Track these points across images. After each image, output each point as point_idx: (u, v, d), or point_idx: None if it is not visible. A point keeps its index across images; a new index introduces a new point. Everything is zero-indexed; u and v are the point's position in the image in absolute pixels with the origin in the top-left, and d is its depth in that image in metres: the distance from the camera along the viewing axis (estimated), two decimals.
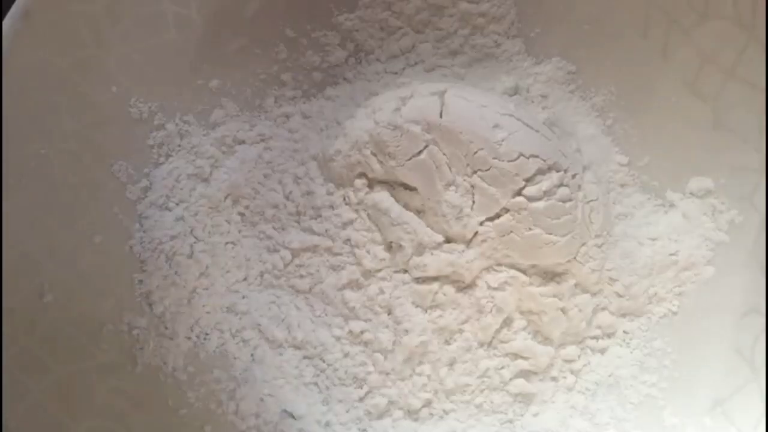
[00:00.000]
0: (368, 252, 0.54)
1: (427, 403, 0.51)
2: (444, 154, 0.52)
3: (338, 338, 0.54)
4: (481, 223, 0.52)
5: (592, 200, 0.55)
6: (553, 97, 0.59)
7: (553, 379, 0.54)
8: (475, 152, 0.52)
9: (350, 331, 0.54)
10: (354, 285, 0.54)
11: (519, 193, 0.52)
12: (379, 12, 0.60)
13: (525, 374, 0.53)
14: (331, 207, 0.55)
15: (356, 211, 0.54)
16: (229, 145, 0.57)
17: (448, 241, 0.53)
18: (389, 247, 0.54)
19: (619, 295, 0.55)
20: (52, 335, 0.47)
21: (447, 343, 0.53)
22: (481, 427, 0.52)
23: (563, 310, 0.53)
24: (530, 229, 0.52)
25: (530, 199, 0.51)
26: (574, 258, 0.53)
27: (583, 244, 0.54)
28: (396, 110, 0.54)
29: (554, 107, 0.59)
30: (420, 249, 0.53)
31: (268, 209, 0.56)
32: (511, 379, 0.53)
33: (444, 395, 0.52)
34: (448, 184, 0.52)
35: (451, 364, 0.53)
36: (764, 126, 0.51)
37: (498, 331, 0.53)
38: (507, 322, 0.53)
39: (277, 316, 0.55)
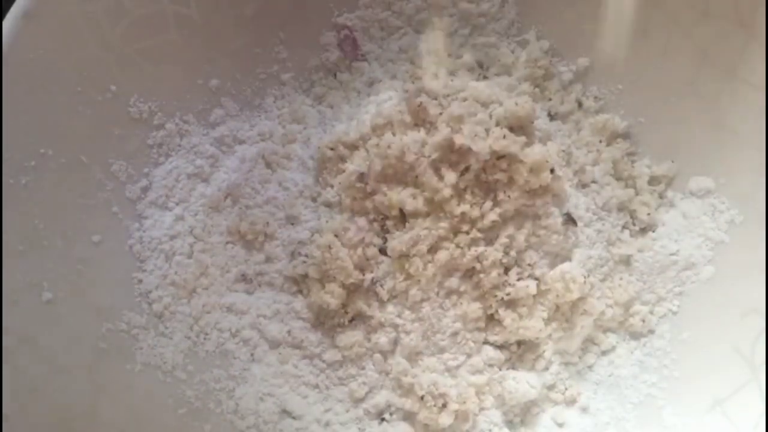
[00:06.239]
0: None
1: (426, 403, 0.51)
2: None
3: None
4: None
5: None
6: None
7: (553, 382, 0.54)
8: None
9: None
10: None
11: None
12: (379, 12, 0.60)
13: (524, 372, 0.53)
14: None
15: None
16: (228, 144, 0.57)
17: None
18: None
19: (619, 295, 0.55)
20: (51, 334, 0.47)
21: (444, 345, 0.53)
22: (482, 426, 0.52)
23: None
24: None
25: None
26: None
27: None
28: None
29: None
30: None
31: (268, 208, 0.56)
32: (511, 379, 0.53)
33: (442, 397, 0.52)
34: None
35: (451, 366, 0.53)
36: (764, 126, 0.51)
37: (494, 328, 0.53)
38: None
39: (277, 315, 0.55)
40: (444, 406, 0.51)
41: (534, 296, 0.53)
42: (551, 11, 0.58)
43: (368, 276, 0.53)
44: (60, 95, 0.49)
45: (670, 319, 0.54)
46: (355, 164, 0.55)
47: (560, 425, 0.53)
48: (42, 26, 0.48)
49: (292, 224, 0.56)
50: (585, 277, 0.52)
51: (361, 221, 0.54)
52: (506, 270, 0.53)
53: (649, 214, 0.56)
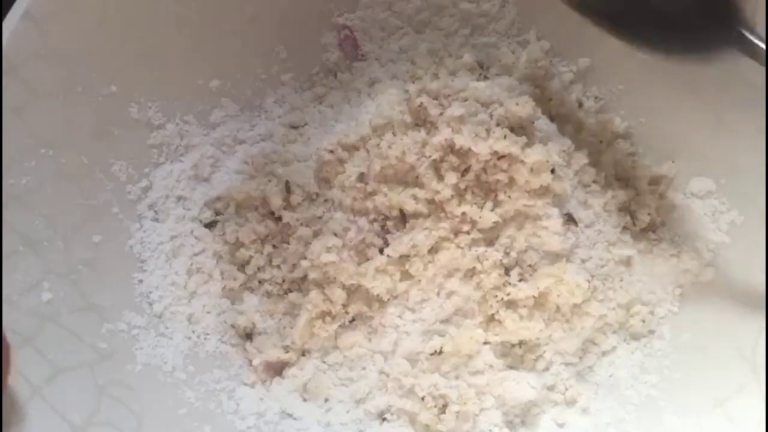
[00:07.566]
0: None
1: (426, 404, 0.51)
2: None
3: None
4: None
5: None
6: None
7: (552, 382, 0.54)
8: None
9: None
10: None
11: None
12: (379, 12, 0.60)
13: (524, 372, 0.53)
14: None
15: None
16: (229, 145, 0.57)
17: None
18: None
19: (620, 296, 0.55)
20: (51, 334, 0.47)
21: (443, 346, 0.53)
22: (482, 426, 0.52)
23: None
24: None
25: None
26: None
27: None
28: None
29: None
30: None
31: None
32: (511, 379, 0.53)
33: (442, 398, 0.52)
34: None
35: (450, 368, 0.53)
36: (764, 126, 0.51)
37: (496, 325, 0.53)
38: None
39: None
40: (444, 407, 0.51)
41: (534, 297, 0.53)
42: (551, 11, 0.58)
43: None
44: (60, 95, 0.49)
45: (670, 320, 0.54)
46: (355, 165, 0.55)
47: (561, 426, 0.53)
48: (42, 26, 0.48)
49: None
50: (588, 282, 0.52)
51: (362, 222, 0.54)
52: (507, 271, 0.53)
53: (649, 214, 0.56)
